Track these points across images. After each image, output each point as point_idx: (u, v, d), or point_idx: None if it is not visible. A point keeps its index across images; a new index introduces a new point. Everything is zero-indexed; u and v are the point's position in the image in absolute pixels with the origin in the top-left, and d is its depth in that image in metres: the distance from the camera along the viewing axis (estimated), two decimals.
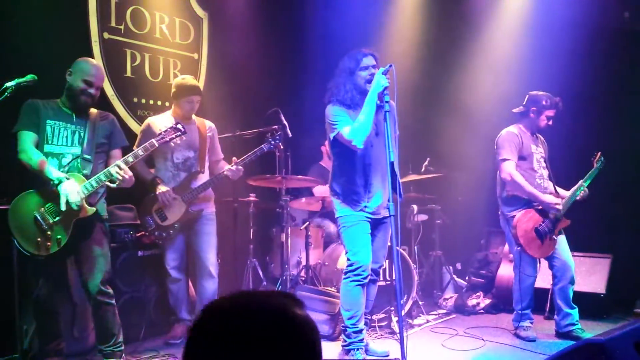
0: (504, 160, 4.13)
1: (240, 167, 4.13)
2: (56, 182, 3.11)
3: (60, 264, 3.32)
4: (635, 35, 5.02)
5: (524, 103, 4.27)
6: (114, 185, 3.23)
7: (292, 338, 1.03)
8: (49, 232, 3.13)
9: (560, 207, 4.04)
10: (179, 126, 3.53)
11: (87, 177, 3.21)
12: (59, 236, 3.13)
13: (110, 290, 3.37)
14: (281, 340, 1.01)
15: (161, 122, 4.03)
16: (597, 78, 5.09)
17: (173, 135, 3.50)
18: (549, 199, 4.05)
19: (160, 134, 3.49)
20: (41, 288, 3.25)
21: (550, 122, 4.21)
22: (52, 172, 3.13)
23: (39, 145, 3.21)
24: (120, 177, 3.19)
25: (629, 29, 5.05)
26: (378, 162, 3.50)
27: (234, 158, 4.16)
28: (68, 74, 3.27)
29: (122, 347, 3.44)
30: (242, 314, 1.04)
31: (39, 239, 3.10)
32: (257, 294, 1.10)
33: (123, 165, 3.21)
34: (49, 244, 3.12)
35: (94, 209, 3.24)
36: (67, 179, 3.13)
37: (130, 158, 3.28)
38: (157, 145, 3.43)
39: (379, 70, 3.38)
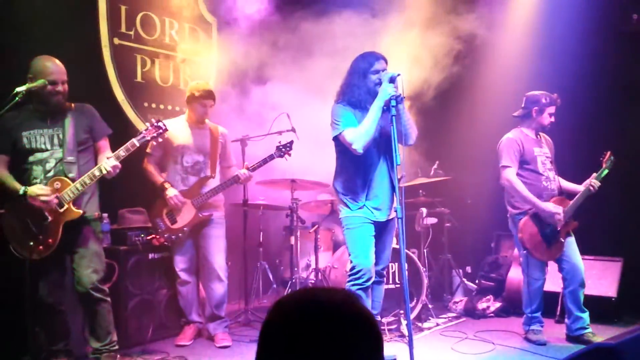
0: (504, 167, 4.13)
1: (251, 174, 4.16)
2: (22, 193, 3.17)
3: (57, 266, 3.35)
4: None
5: (523, 105, 4.26)
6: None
7: (363, 329, 1.06)
8: (40, 236, 3.19)
9: (560, 216, 3.98)
10: (160, 124, 3.48)
11: (74, 179, 3.25)
12: (50, 239, 3.19)
13: (106, 289, 3.41)
14: (353, 332, 1.04)
15: (174, 126, 4.04)
16: (606, 79, 5.06)
17: (154, 134, 3.46)
18: (548, 207, 4.01)
19: (141, 132, 3.46)
20: (42, 289, 3.30)
21: (553, 119, 4.20)
22: (15, 184, 3.20)
23: (22, 160, 3.27)
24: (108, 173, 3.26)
25: (637, 31, 5.02)
26: (382, 164, 3.50)
27: (246, 164, 4.20)
28: (29, 79, 3.22)
29: (117, 347, 3.47)
30: (313, 307, 1.06)
31: (31, 243, 3.17)
32: (322, 290, 1.13)
33: (105, 168, 3.24)
34: (40, 247, 3.19)
35: (80, 211, 3.27)
36: (26, 190, 3.17)
37: (112, 159, 3.29)
38: (137, 144, 3.40)
39: (385, 76, 3.35)
